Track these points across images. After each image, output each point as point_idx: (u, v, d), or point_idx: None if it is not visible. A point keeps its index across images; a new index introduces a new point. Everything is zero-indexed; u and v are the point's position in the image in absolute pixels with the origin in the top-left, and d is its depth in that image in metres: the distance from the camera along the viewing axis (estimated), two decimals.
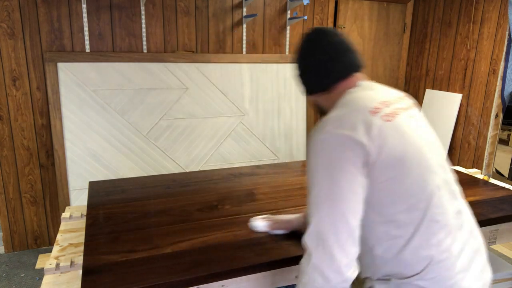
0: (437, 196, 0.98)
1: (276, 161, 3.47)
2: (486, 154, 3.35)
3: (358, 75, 1.11)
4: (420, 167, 0.97)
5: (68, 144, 2.78)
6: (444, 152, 1.09)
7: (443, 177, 1.02)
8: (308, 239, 0.94)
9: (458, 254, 0.98)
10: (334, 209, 0.91)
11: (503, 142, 6.07)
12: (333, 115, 1.00)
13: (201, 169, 3.19)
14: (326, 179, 0.92)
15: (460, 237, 1.00)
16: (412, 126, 1.01)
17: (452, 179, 1.07)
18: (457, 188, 1.08)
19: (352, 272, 0.92)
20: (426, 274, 0.95)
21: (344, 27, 3.66)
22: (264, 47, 3.41)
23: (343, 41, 1.10)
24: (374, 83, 1.13)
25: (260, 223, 1.44)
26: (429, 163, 0.99)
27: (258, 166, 2.35)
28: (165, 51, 3.08)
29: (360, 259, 1.01)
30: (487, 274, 1.05)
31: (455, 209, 1.02)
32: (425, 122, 1.09)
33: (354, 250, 0.91)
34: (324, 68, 1.09)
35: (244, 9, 3.25)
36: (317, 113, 1.21)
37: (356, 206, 0.92)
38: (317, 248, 0.92)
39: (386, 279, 1.01)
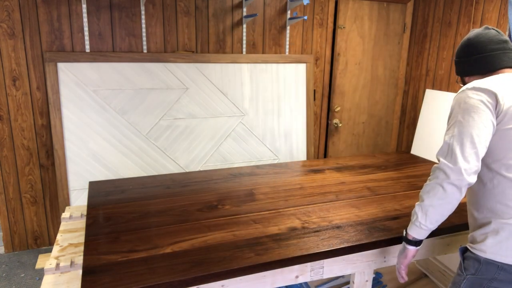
0: None
1: (276, 161, 3.47)
2: None
3: (506, 70, 1.33)
4: None
5: (68, 144, 2.78)
6: None
7: None
8: (439, 150, 1.25)
9: None
10: (464, 130, 1.20)
11: None
12: (476, 80, 1.28)
13: (201, 169, 3.19)
14: (462, 112, 1.22)
15: None
16: None
17: None
18: None
19: (471, 178, 1.19)
20: None
21: (344, 27, 3.66)
22: (264, 47, 3.41)
23: (507, 41, 1.36)
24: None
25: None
26: None
27: (258, 166, 2.35)
28: (165, 51, 3.08)
29: (470, 192, 1.32)
30: None
31: None
32: None
33: (475, 163, 1.19)
34: (488, 56, 1.34)
35: (244, 9, 3.25)
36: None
37: (483, 133, 1.19)
38: (446, 155, 1.22)
39: (487, 222, 1.23)
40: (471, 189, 1.32)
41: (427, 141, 3.79)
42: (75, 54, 2.78)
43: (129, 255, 1.27)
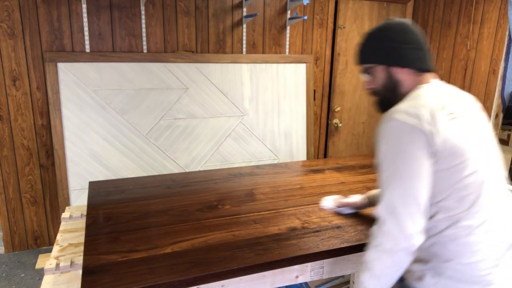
0: (484, 194, 1.08)
1: (276, 161, 3.47)
2: None
3: (432, 74, 1.23)
4: (475, 165, 1.08)
5: (68, 144, 2.78)
6: (499, 156, 1.19)
7: (493, 178, 1.12)
8: (380, 209, 1.09)
9: (492, 248, 1.08)
10: (405, 186, 1.05)
11: (503, 142, 6.06)
12: (403, 105, 1.11)
13: (201, 169, 3.19)
14: (398, 161, 1.06)
15: (499, 237, 1.09)
16: (472, 126, 1.12)
17: (502, 182, 1.16)
18: (505, 190, 1.17)
19: (418, 240, 1.05)
20: (457, 264, 1.07)
21: (344, 27, 3.66)
22: (264, 47, 3.41)
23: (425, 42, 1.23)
24: (445, 83, 1.24)
25: (329, 203, 1.66)
26: (483, 163, 1.10)
27: (258, 166, 2.35)
28: (165, 51, 3.08)
29: None
30: None
31: (501, 210, 1.12)
32: (484, 126, 1.18)
33: (421, 221, 1.05)
34: (424, 51, 1.20)
35: (244, 9, 3.25)
36: (378, 99, 1.28)
37: (424, 185, 1.05)
38: (389, 216, 1.06)
39: (426, 259, 1.13)
40: None
41: None
42: (75, 54, 2.78)
43: (129, 255, 1.27)
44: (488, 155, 1.13)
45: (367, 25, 3.74)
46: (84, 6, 2.77)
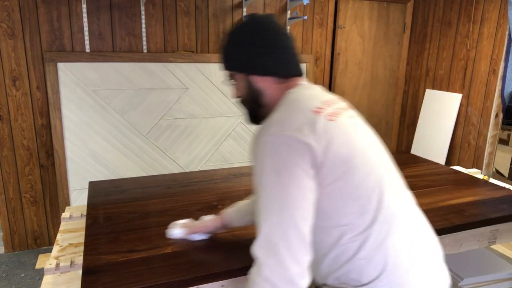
0: (386, 196, 0.94)
1: None
2: (486, 154, 3.35)
3: (299, 78, 1.08)
4: (366, 167, 0.94)
5: (68, 144, 2.78)
6: (387, 152, 1.06)
7: (389, 176, 1.00)
8: (257, 249, 0.87)
9: (410, 255, 0.94)
10: (284, 216, 0.85)
11: (503, 142, 6.06)
12: (276, 116, 0.95)
13: (201, 169, 3.18)
14: (275, 185, 0.86)
15: (412, 238, 0.96)
16: (354, 126, 1.00)
17: (398, 179, 1.04)
18: (403, 187, 1.04)
19: (305, 282, 0.86)
20: (380, 281, 0.91)
21: (344, 27, 3.66)
22: None
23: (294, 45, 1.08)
24: (311, 84, 1.09)
25: (176, 231, 1.36)
26: (374, 163, 0.97)
27: None
28: (165, 51, 3.08)
29: (315, 265, 0.98)
30: (443, 276, 1.00)
31: (405, 209, 0.99)
32: (364, 123, 1.08)
33: (306, 258, 0.86)
34: (289, 53, 1.03)
35: (244, 9, 3.25)
36: (246, 110, 1.11)
37: (307, 212, 0.87)
38: (268, 258, 0.85)
39: (341, 287, 0.95)
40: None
41: (427, 141, 3.79)
42: (75, 54, 2.78)
43: (129, 255, 1.27)
44: (379, 154, 1.01)
45: (367, 25, 3.74)
46: (84, 6, 2.77)
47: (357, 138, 0.97)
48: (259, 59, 1.01)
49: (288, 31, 1.09)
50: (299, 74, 1.06)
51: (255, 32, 1.01)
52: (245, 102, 1.09)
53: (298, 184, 0.86)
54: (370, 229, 0.91)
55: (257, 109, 1.08)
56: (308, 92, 1.02)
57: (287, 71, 1.03)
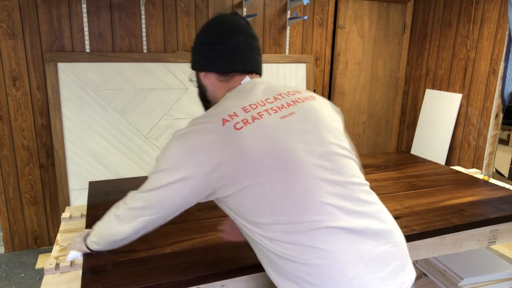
0: (320, 194, 0.90)
1: None
2: (486, 154, 3.35)
3: (249, 75, 1.07)
4: (290, 168, 0.90)
5: (68, 144, 2.78)
6: (339, 138, 1.01)
7: (329, 167, 0.94)
8: (126, 197, 1.06)
9: (353, 260, 0.88)
10: (151, 195, 0.97)
11: (503, 142, 6.07)
12: (196, 120, 0.98)
13: None
14: (163, 173, 0.94)
15: (361, 239, 0.91)
16: (285, 123, 0.95)
17: (347, 166, 0.98)
18: (354, 173, 0.99)
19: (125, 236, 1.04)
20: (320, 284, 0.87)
21: (344, 27, 3.66)
22: (264, 47, 3.41)
23: (257, 39, 1.09)
24: (263, 81, 1.07)
25: (72, 254, 1.27)
26: (302, 159, 0.92)
27: None
28: (165, 51, 3.08)
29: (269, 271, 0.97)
30: (403, 276, 0.94)
31: (357, 202, 0.94)
32: (316, 115, 1.01)
33: (130, 231, 1.04)
34: (232, 49, 1.04)
35: (244, 9, 3.25)
36: (202, 103, 1.19)
37: (169, 208, 0.99)
38: (120, 206, 1.07)
39: None
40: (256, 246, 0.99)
41: (427, 141, 3.79)
42: (75, 54, 2.78)
43: (129, 255, 1.27)
44: (310, 149, 0.94)
45: (367, 25, 3.74)
46: (84, 6, 2.77)
47: (279, 137, 0.93)
48: (200, 55, 1.07)
49: (254, 30, 1.09)
50: (242, 70, 1.05)
51: (202, 31, 1.07)
52: (199, 98, 1.16)
53: (176, 185, 0.93)
54: (304, 235, 0.89)
55: (206, 105, 1.14)
56: (238, 96, 1.01)
57: (227, 67, 1.04)
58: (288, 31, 3.46)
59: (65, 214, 1.81)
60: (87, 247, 1.18)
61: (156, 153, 3.03)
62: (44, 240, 3.02)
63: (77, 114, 2.79)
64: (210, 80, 1.08)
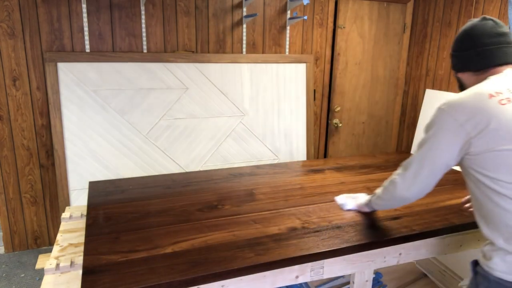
0: None
1: (276, 161, 3.47)
2: None
3: (501, 67, 1.27)
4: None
5: (68, 144, 2.78)
6: None
7: None
8: (402, 165, 1.38)
9: None
10: (427, 155, 1.26)
11: None
12: (458, 95, 1.23)
13: (201, 169, 3.19)
14: (432, 138, 1.25)
15: None
16: None
17: None
18: None
19: (412, 197, 1.35)
20: None
21: (344, 27, 3.66)
22: (264, 47, 3.41)
23: (505, 34, 1.28)
24: None
25: (347, 202, 1.74)
26: None
27: (258, 166, 2.35)
28: (165, 51, 3.08)
29: (480, 207, 1.24)
30: None
31: None
32: None
33: (417, 189, 1.32)
34: (483, 51, 1.27)
35: (244, 9, 3.25)
36: (459, 87, 1.45)
37: (440, 168, 1.26)
38: (400, 171, 1.37)
39: (496, 239, 1.18)
40: (479, 202, 1.24)
41: None
42: (75, 54, 2.78)
43: (129, 255, 1.27)
44: None
45: (367, 25, 3.74)
46: (84, 6, 2.77)
47: None
48: (455, 60, 1.37)
49: (502, 27, 1.35)
50: (493, 65, 1.26)
51: (455, 40, 1.37)
52: (458, 88, 1.41)
53: (446, 144, 1.21)
54: None
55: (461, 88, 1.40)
56: (501, 78, 1.22)
57: (478, 66, 1.29)
58: (288, 31, 3.46)
59: (65, 214, 1.81)
60: (368, 206, 1.64)
61: (156, 153, 3.03)
62: (44, 240, 3.02)
63: (77, 114, 2.79)
64: (467, 76, 1.34)
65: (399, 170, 1.39)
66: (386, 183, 1.46)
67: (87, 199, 1.76)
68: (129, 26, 2.94)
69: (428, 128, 1.27)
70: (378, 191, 1.52)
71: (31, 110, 2.80)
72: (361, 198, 1.72)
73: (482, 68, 1.28)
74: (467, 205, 1.72)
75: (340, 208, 1.74)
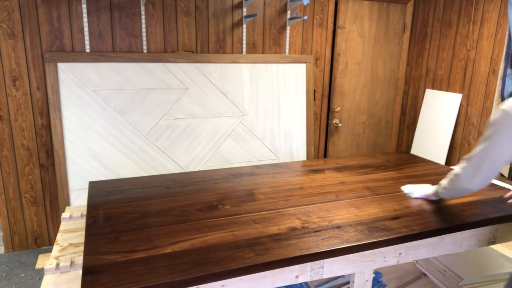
0: None
1: (276, 161, 3.47)
2: None
3: None
4: None
5: (68, 144, 2.78)
6: None
7: None
8: (464, 158, 1.53)
9: None
10: (488, 151, 1.41)
11: None
12: None
13: (201, 169, 3.18)
14: (492, 136, 1.40)
15: None
16: None
17: None
18: None
19: (474, 188, 1.52)
20: None
21: (344, 27, 3.66)
22: (264, 47, 3.41)
23: None
24: None
25: (416, 191, 1.89)
26: None
27: (258, 166, 2.35)
28: (165, 51, 3.08)
29: None
30: None
31: None
32: None
33: (479, 181, 1.49)
34: None
35: (244, 9, 3.25)
36: None
37: (500, 163, 1.40)
38: (464, 165, 1.52)
39: None
40: None
41: (427, 141, 3.79)
42: (75, 54, 2.78)
43: (129, 255, 1.27)
44: None
45: (367, 25, 3.74)
46: (84, 6, 2.77)
47: None
48: None
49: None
50: None
51: None
52: None
53: (504, 145, 1.38)
54: None
55: None
56: None
57: None
58: (288, 31, 3.46)
59: (65, 214, 1.81)
60: (435, 195, 1.79)
61: (156, 153, 3.03)
62: (44, 240, 3.02)
63: (77, 114, 2.79)
64: None
65: (462, 163, 1.54)
66: (450, 175, 1.61)
67: (87, 199, 1.76)
68: (129, 26, 2.94)
69: (489, 126, 1.41)
70: (444, 182, 1.68)
71: (31, 110, 2.80)
72: (427, 188, 1.86)
73: None
74: (511, 200, 1.80)
75: (407, 196, 1.91)
